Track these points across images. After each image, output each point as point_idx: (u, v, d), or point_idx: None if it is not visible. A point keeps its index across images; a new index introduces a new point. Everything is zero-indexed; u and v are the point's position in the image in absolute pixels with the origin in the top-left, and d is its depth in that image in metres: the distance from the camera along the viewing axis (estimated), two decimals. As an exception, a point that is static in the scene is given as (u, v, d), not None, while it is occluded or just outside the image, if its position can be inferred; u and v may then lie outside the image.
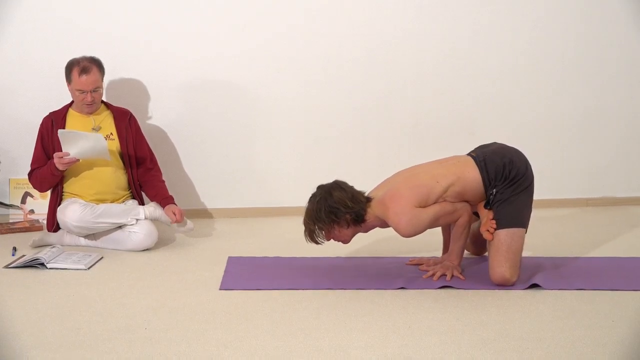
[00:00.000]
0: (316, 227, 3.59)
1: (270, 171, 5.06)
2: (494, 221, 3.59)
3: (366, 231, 3.72)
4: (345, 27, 4.92)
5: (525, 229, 3.63)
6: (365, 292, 3.56)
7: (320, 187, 3.64)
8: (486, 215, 3.64)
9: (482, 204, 3.67)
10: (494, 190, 3.62)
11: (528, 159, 3.76)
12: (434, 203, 3.58)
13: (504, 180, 3.61)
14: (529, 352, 2.89)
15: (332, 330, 3.11)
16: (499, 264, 3.55)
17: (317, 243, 3.66)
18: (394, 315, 3.27)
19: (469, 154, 3.75)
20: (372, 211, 3.61)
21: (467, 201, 3.67)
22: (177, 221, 4.31)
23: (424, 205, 3.56)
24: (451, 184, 3.60)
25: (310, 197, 3.63)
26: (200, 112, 4.97)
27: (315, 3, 4.90)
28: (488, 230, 3.60)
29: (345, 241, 3.70)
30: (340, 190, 3.59)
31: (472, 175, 3.63)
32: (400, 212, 3.54)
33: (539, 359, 2.83)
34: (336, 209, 3.54)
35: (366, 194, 3.68)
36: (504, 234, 3.57)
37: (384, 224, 3.67)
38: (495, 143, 3.81)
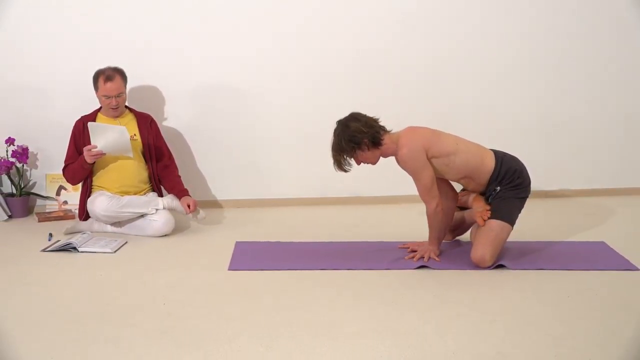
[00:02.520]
0: (342, 156, 3.58)
1: (273, 166, 5.04)
2: (489, 211, 3.60)
3: (386, 156, 3.67)
4: (338, 38, 4.89)
5: (512, 228, 3.64)
6: (355, 272, 3.56)
7: (338, 122, 3.63)
8: (483, 206, 3.64)
9: (482, 197, 3.68)
10: (498, 187, 3.63)
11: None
12: (438, 157, 3.56)
13: (509, 182, 3.62)
14: (497, 324, 2.89)
15: (327, 305, 3.11)
16: (484, 246, 3.55)
17: (345, 171, 3.64)
18: (381, 293, 3.27)
19: (491, 149, 3.75)
20: (391, 138, 3.60)
21: (469, 178, 3.64)
22: (191, 212, 4.30)
23: (429, 150, 3.55)
24: (467, 152, 3.60)
25: (333, 132, 3.61)
26: (211, 114, 4.94)
27: (311, 18, 4.87)
28: (482, 218, 3.60)
29: (373, 163, 3.67)
30: (355, 120, 3.58)
31: (488, 162, 3.64)
32: (410, 140, 3.55)
33: (505, 330, 2.84)
34: (354, 136, 3.53)
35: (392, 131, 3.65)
36: (495, 223, 3.58)
37: (396, 152, 3.64)
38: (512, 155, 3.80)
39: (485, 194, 3.70)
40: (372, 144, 3.56)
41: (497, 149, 3.81)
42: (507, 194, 3.62)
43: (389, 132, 3.62)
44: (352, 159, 3.60)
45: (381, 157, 3.66)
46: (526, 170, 3.73)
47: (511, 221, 3.63)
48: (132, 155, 4.29)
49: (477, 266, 3.56)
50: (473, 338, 2.76)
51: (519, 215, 3.70)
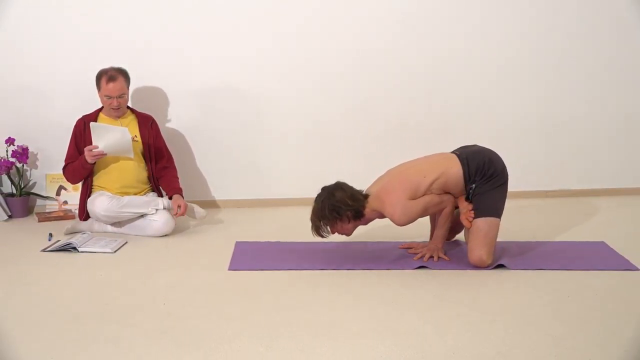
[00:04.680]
0: (322, 223, 3.59)
1: (273, 166, 5.04)
2: (472, 212, 3.60)
3: (366, 224, 3.72)
4: (338, 38, 4.89)
5: (499, 219, 3.62)
6: (355, 272, 3.56)
7: (324, 189, 3.63)
8: (466, 206, 3.64)
9: (463, 197, 3.67)
10: (473, 185, 3.62)
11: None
12: (423, 195, 3.58)
13: (482, 177, 3.60)
14: (496, 324, 2.89)
15: (327, 305, 3.11)
16: (478, 248, 3.55)
17: (322, 237, 3.66)
18: (381, 293, 3.27)
19: (453, 152, 3.75)
20: (370, 206, 3.61)
21: (449, 193, 3.66)
22: (179, 215, 4.25)
23: (414, 198, 3.56)
24: (437, 178, 3.59)
25: (316, 197, 3.62)
26: (211, 115, 4.94)
27: (311, 18, 4.87)
28: (467, 219, 3.60)
29: (348, 234, 3.70)
30: (341, 190, 3.58)
31: (455, 170, 3.62)
32: (395, 204, 3.54)
33: (504, 329, 2.84)
34: (338, 207, 3.54)
35: (364, 192, 3.67)
36: (481, 222, 3.57)
37: (381, 216, 3.67)
38: (475, 145, 3.80)
39: (465, 194, 3.69)
40: (355, 217, 3.58)
41: (491, 147, 3.79)
42: (483, 189, 3.61)
43: (367, 199, 3.62)
44: (328, 227, 3.60)
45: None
46: (495, 156, 3.69)
47: (496, 214, 3.60)
48: (132, 156, 4.28)
49: (477, 267, 3.56)
50: (473, 338, 2.76)
51: (505, 203, 3.67)
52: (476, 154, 3.66)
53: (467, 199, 3.65)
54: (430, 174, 3.60)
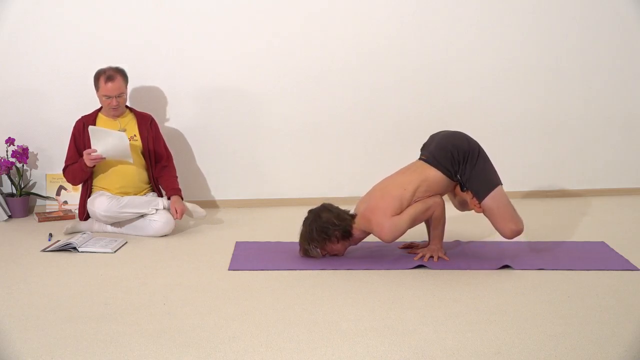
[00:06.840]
0: (311, 245, 3.64)
1: (273, 167, 5.05)
2: (474, 199, 3.62)
3: (356, 244, 3.76)
4: (338, 39, 4.91)
5: (499, 185, 3.64)
6: (354, 272, 3.56)
7: (310, 211, 3.69)
8: (466, 195, 3.67)
9: (458, 188, 3.70)
10: (458, 175, 3.64)
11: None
12: (408, 206, 3.59)
13: (458, 164, 3.62)
14: (496, 323, 2.90)
15: (326, 305, 3.11)
16: (503, 225, 3.60)
17: (313, 257, 3.70)
18: (380, 292, 3.27)
19: (420, 159, 3.75)
20: (358, 226, 3.65)
21: (439, 193, 3.67)
22: (177, 218, 4.25)
23: (399, 212, 3.57)
24: (418, 187, 3.61)
25: (304, 221, 3.68)
26: (211, 115, 4.95)
27: (311, 19, 4.89)
28: (476, 206, 3.64)
29: (339, 254, 3.73)
30: (328, 211, 3.64)
31: (433, 174, 3.63)
32: (380, 222, 3.56)
33: (504, 329, 2.84)
34: (326, 227, 3.59)
35: (351, 212, 3.69)
36: (488, 201, 3.60)
37: (369, 234, 3.71)
38: (432, 137, 3.80)
39: (459, 185, 3.71)
40: (343, 237, 3.62)
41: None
42: (467, 172, 3.62)
43: (354, 219, 3.66)
44: (318, 249, 3.64)
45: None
46: (455, 137, 3.68)
47: (494, 185, 3.62)
48: (131, 161, 4.28)
49: (516, 237, 3.63)
50: (472, 338, 2.76)
51: (494, 168, 3.69)
52: (439, 149, 3.66)
53: (462, 189, 3.69)
54: (410, 185, 3.61)
